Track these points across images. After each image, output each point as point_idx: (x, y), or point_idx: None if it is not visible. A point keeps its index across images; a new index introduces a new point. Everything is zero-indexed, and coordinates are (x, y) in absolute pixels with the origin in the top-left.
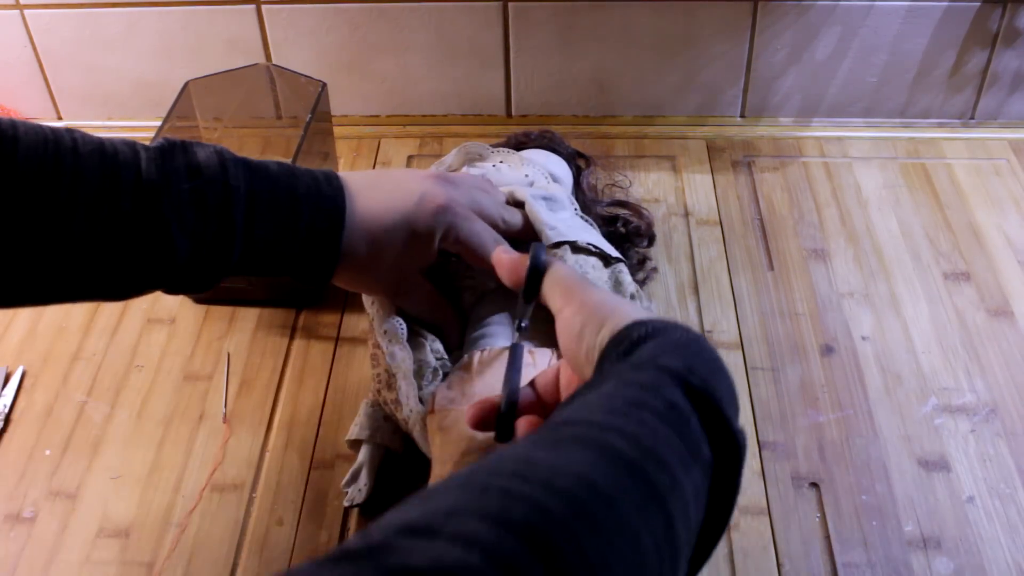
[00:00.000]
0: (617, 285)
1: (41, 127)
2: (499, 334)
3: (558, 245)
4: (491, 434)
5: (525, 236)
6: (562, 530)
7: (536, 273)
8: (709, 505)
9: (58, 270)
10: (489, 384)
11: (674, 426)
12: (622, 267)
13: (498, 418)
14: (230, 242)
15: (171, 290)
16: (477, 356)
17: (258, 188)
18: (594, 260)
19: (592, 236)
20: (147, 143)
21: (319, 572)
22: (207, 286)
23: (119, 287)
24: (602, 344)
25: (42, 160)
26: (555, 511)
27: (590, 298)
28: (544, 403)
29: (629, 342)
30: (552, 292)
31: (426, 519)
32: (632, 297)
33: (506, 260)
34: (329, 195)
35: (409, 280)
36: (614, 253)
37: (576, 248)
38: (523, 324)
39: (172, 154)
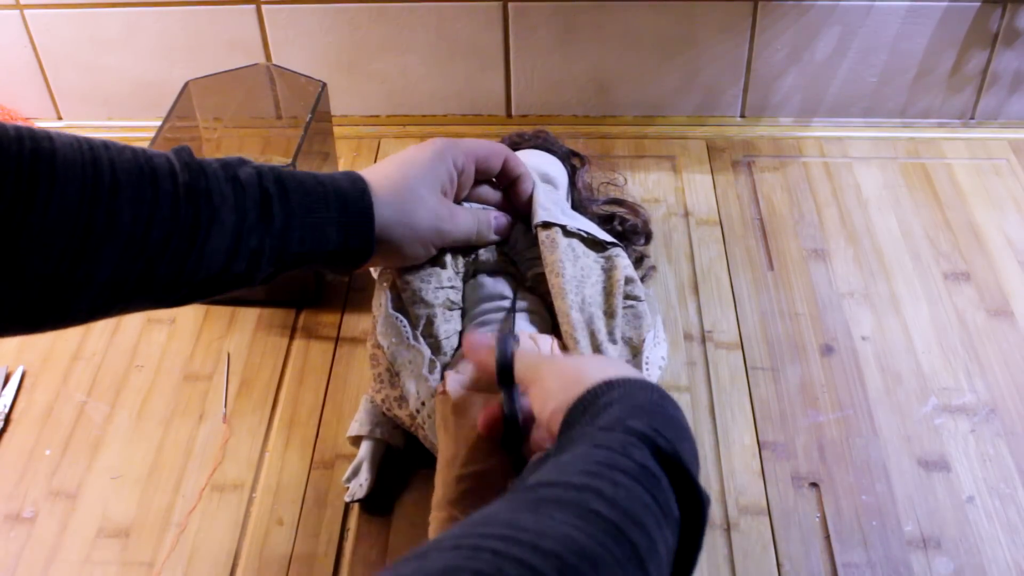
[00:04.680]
0: (611, 270)
1: (69, 133)
2: (499, 315)
3: (549, 226)
4: None
5: (522, 206)
6: None
7: (505, 367)
8: (674, 563)
9: (111, 261)
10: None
11: (647, 486)
12: (618, 252)
13: (504, 425)
14: (269, 211)
15: (221, 282)
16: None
17: (276, 167)
18: (584, 247)
19: (584, 223)
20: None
21: None
22: (251, 276)
23: (172, 278)
24: (568, 402)
25: (80, 153)
26: (545, 571)
27: (558, 367)
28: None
29: (595, 403)
30: (523, 376)
31: None
32: (627, 282)
33: (472, 356)
34: (335, 172)
35: (448, 205)
36: (608, 239)
37: (567, 232)
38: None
39: (191, 151)
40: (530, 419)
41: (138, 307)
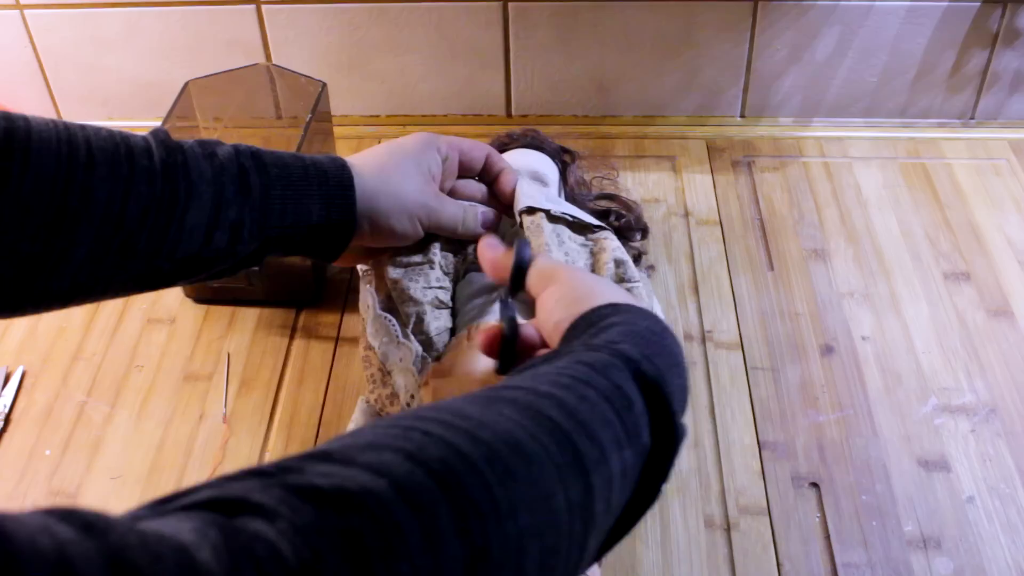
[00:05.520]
0: (598, 252)
1: (44, 117)
2: (490, 311)
3: (533, 211)
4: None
5: (508, 199)
6: (473, 473)
7: (520, 271)
8: (636, 489)
9: (88, 236)
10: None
11: (615, 406)
12: (607, 234)
13: (502, 345)
14: (247, 183)
15: (205, 259)
16: (465, 333)
17: (256, 147)
18: (570, 232)
19: (569, 207)
20: None
21: (226, 483)
22: (234, 251)
23: (152, 253)
24: (572, 318)
25: (55, 131)
26: (471, 455)
27: (571, 278)
28: (546, 343)
29: (596, 323)
30: (536, 282)
31: (344, 450)
32: (618, 265)
33: (489, 257)
34: (319, 155)
35: (435, 188)
36: (595, 221)
37: (553, 217)
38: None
39: (168, 133)
40: (529, 345)
41: (121, 287)
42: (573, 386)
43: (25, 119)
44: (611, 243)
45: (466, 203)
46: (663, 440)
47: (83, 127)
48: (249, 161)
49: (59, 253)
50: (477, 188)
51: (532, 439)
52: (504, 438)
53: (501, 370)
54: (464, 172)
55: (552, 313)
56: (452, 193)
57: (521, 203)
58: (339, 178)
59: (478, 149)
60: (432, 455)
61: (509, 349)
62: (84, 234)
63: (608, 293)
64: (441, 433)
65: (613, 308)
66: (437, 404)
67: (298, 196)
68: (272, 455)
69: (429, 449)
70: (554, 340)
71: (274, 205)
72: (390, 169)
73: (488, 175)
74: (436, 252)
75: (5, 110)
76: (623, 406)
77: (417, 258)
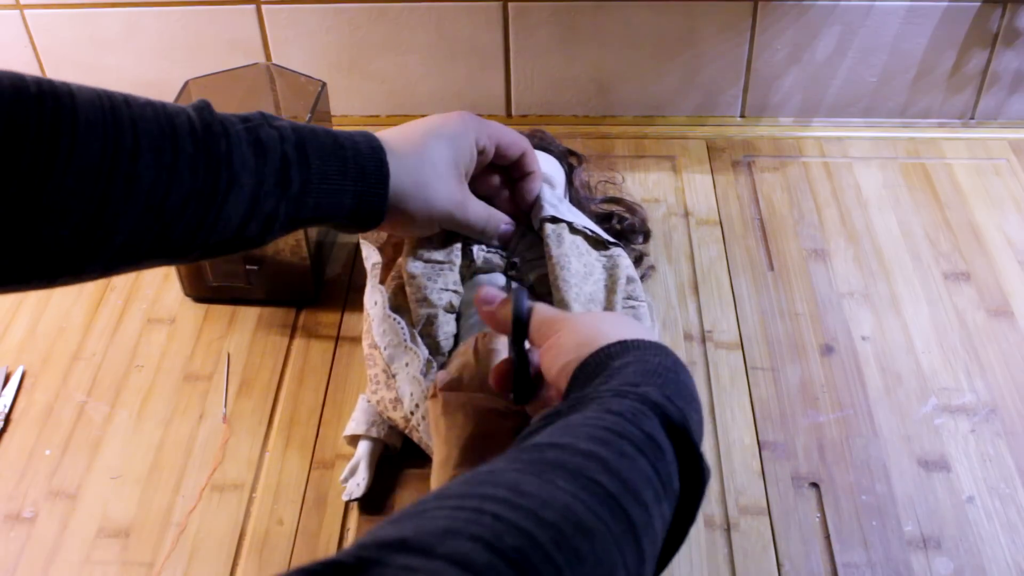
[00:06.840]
0: (614, 268)
1: (90, 87)
2: None
3: (556, 221)
4: (497, 417)
5: (525, 204)
6: (547, 561)
7: (520, 322)
8: (668, 533)
9: (127, 226)
10: (491, 364)
11: (650, 459)
12: (620, 251)
13: (514, 381)
14: (287, 176)
15: (233, 244)
16: (472, 342)
17: (299, 128)
18: (587, 245)
19: (588, 222)
20: None
21: None
22: (263, 239)
23: (186, 241)
24: (580, 360)
25: (102, 112)
26: (543, 541)
27: (575, 323)
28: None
29: (608, 363)
30: (538, 331)
31: (421, 537)
32: (629, 282)
33: (486, 311)
34: (356, 133)
35: (464, 191)
36: (610, 238)
37: (573, 229)
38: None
39: (211, 107)
40: (540, 373)
41: (150, 265)
42: (611, 441)
43: (71, 95)
44: (624, 260)
45: (494, 210)
46: (689, 482)
47: (128, 103)
48: (292, 151)
49: (98, 240)
50: (492, 183)
51: (588, 511)
52: (566, 515)
53: (517, 402)
54: (496, 162)
55: (557, 358)
56: (472, 181)
57: (545, 211)
58: (375, 178)
59: (515, 147)
60: (508, 544)
61: (522, 380)
62: (124, 223)
63: (614, 331)
64: (510, 517)
65: (623, 346)
66: (491, 477)
67: (333, 191)
68: (272, 455)
69: (504, 537)
70: (560, 383)
71: (309, 200)
72: (425, 170)
73: (516, 172)
74: (457, 254)
75: (49, 79)
76: (657, 457)
77: (440, 255)
